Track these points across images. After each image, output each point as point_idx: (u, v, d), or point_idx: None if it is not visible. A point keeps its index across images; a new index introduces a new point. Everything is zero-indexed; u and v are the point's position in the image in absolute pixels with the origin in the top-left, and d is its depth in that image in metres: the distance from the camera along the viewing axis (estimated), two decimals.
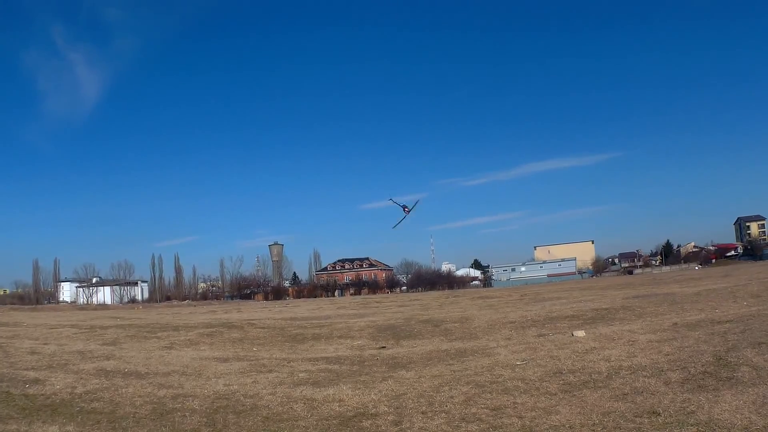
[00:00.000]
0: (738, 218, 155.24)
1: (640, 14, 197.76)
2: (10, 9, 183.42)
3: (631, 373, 9.46)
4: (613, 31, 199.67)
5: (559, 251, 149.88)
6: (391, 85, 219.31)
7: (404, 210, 35.74)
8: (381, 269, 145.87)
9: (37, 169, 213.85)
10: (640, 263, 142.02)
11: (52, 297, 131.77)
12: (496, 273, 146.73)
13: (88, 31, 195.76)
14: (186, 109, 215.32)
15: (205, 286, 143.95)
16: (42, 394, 10.87)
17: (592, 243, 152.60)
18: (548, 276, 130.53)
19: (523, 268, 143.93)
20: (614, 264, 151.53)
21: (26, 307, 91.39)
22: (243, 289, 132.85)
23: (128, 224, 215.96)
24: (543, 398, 8.37)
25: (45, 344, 21.47)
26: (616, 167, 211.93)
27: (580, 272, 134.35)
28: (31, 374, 13.29)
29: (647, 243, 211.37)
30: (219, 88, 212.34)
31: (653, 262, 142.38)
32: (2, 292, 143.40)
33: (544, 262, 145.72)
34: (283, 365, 14.18)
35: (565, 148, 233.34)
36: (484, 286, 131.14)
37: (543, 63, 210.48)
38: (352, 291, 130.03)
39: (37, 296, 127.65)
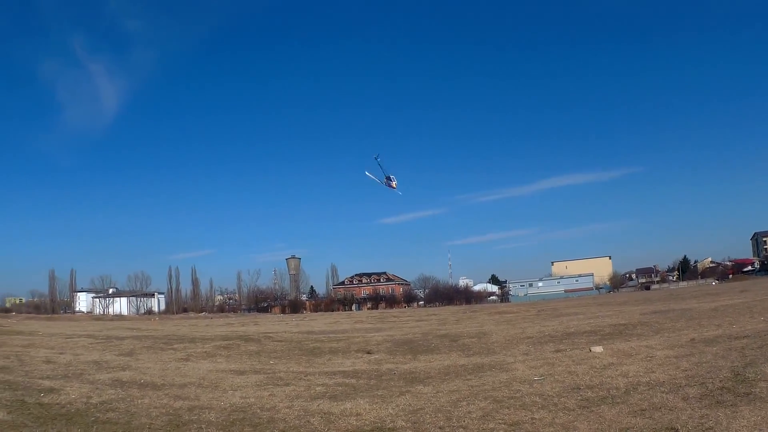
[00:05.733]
0: (755, 233, 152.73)
1: (656, 29, 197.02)
2: (30, 19, 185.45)
3: (649, 389, 9.42)
4: (628, 45, 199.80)
5: (577, 267, 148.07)
6: (408, 100, 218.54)
7: (387, 182, 35.08)
8: (398, 284, 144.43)
9: (55, 179, 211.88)
10: (658, 279, 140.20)
11: (68, 307, 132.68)
12: (513, 288, 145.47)
13: (108, 42, 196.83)
14: (205, 120, 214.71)
15: (221, 298, 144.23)
16: (57, 404, 10.81)
17: (610, 258, 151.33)
18: (565, 291, 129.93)
19: (540, 284, 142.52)
20: (631, 279, 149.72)
21: (42, 316, 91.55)
22: (260, 302, 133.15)
23: (146, 236, 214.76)
24: (561, 414, 8.32)
25: (60, 354, 21.58)
26: (634, 182, 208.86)
27: (598, 288, 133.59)
28: (46, 383, 13.29)
29: (664, 258, 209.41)
30: (239, 100, 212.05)
31: (670, 278, 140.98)
32: (18, 302, 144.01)
33: (562, 277, 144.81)
34: (300, 379, 14.13)
35: (582, 164, 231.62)
36: (502, 301, 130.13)
37: (560, 78, 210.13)
38: (369, 305, 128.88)
39: (53, 306, 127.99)
